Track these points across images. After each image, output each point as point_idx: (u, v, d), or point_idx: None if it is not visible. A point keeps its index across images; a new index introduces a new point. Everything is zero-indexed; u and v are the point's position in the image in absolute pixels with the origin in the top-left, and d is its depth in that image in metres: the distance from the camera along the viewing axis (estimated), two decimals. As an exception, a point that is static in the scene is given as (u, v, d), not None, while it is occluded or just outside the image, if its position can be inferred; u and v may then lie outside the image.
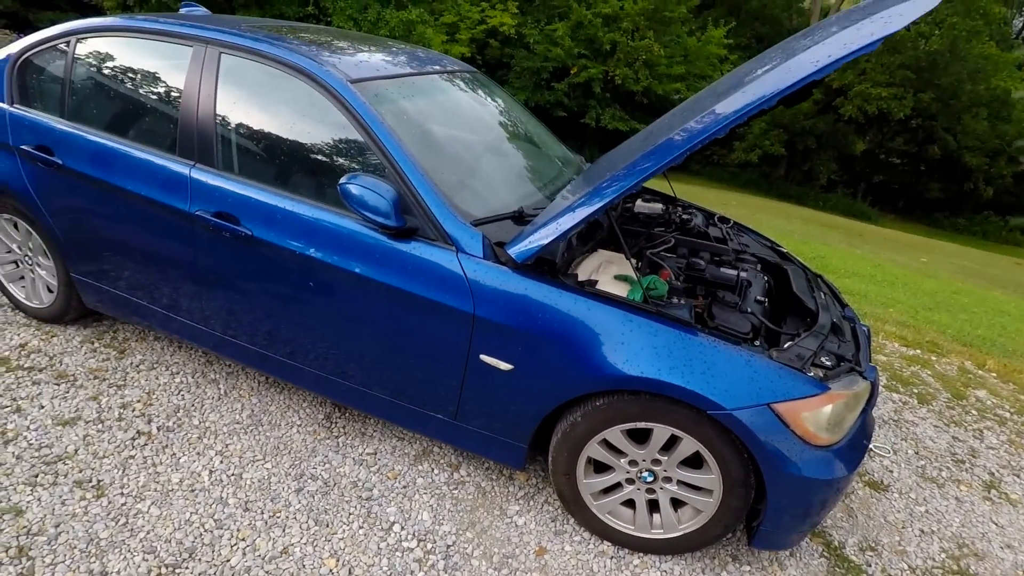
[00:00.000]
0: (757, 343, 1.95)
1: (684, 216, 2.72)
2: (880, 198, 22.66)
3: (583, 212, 1.73)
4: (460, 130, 2.52)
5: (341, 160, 2.09)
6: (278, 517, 2.03)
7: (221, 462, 2.21)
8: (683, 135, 1.66)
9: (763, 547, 1.98)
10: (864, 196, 22.59)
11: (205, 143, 2.17)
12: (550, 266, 1.91)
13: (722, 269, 2.28)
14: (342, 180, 1.86)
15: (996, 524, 2.68)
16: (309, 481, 2.18)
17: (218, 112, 2.16)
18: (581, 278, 1.98)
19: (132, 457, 2.19)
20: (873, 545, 2.38)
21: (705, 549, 2.12)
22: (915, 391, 3.77)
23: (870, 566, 2.27)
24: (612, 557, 2.06)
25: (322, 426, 2.45)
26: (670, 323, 1.79)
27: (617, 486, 2.02)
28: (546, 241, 1.77)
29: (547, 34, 16.59)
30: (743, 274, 2.26)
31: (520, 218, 2.06)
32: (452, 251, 1.89)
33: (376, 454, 2.34)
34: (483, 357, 1.90)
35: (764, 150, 20.05)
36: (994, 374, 4.39)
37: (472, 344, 1.90)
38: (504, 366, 1.88)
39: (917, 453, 3.08)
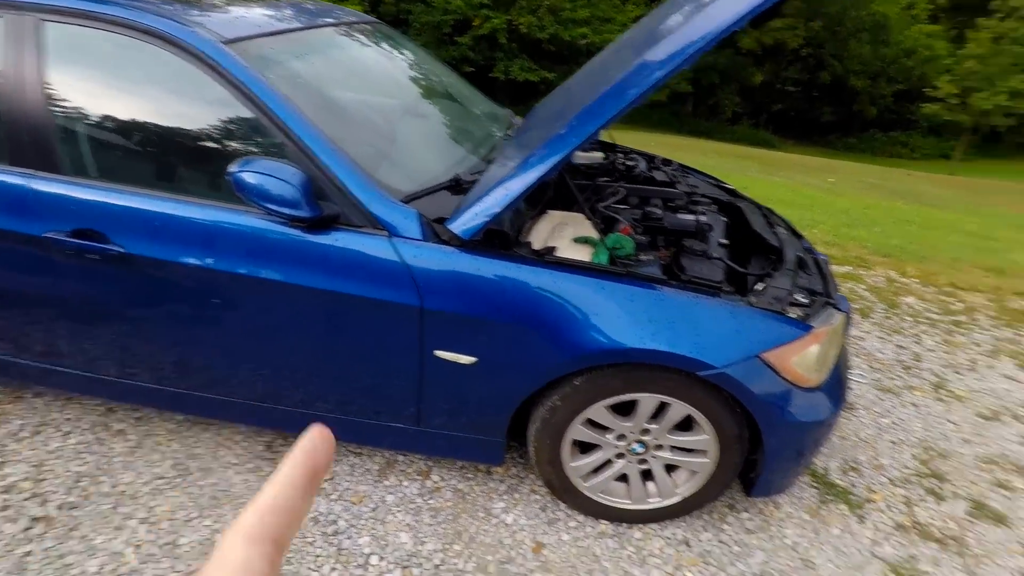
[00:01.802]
0: (727, 289, 1.82)
1: (628, 163, 2.55)
2: (780, 126, 23.79)
3: (535, 172, 1.51)
4: (370, 92, 2.20)
5: (229, 143, 1.72)
6: None
7: (148, 531, 1.83)
8: (645, 72, 1.45)
9: (762, 495, 1.91)
10: (766, 125, 23.63)
11: (42, 143, 1.70)
12: (501, 238, 1.68)
13: (679, 215, 2.13)
14: (231, 168, 1.50)
15: (951, 423, 2.77)
16: (260, 522, 1.89)
17: (52, 101, 1.68)
18: (536, 246, 1.76)
19: (29, 553, 1.74)
20: (854, 465, 2.38)
21: (704, 506, 2.03)
22: (855, 307, 3.86)
23: (855, 486, 2.26)
24: (613, 536, 1.92)
25: (264, 459, 2.14)
26: (645, 284, 1.62)
27: (607, 463, 1.86)
28: (496, 210, 1.54)
29: (444, -16, 15.80)
30: (702, 218, 2.12)
31: (458, 187, 1.80)
32: (384, 236, 1.61)
33: (333, 478, 2.07)
34: (439, 353, 1.66)
35: (672, 88, 20.38)
36: (916, 280, 4.60)
37: (424, 341, 1.65)
38: (466, 360, 1.65)
39: (871, 367, 3.14)
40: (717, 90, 22.24)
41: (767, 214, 2.35)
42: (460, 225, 1.58)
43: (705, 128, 21.34)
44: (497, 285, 1.58)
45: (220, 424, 2.27)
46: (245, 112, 1.63)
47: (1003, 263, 5.47)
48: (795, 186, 7.87)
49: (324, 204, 1.61)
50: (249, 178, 1.48)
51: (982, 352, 3.50)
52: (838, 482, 2.28)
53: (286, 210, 1.52)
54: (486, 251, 1.62)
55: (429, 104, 2.42)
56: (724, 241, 2.07)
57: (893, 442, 2.58)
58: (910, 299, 4.15)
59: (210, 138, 1.73)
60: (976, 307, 4.19)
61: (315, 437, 0.25)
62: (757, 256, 2.13)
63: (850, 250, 5.04)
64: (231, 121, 1.68)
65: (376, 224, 1.62)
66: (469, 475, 2.11)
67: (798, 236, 2.32)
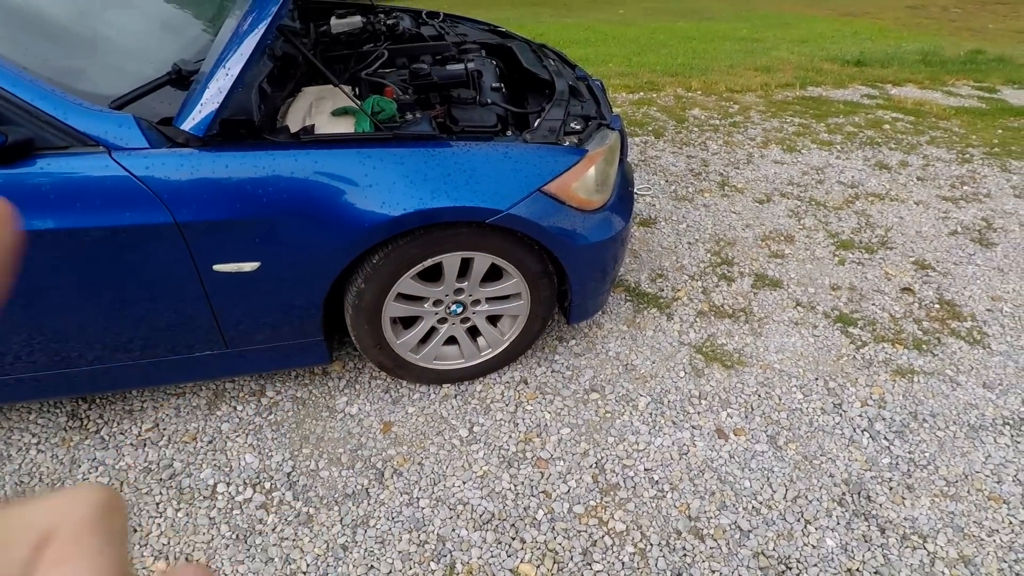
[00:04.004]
0: (509, 133, 1.82)
1: (389, 23, 2.35)
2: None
3: (250, 43, 1.32)
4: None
5: None
6: (63, 556, 1.59)
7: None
8: None
9: (580, 319, 2.07)
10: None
11: None
12: (248, 127, 1.50)
13: (448, 67, 2.03)
14: None
15: (735, 213, 3.16)
16: (84, 497, 1.73)
17: None
18: (295, 129, 1.60)
19: None
20: (660, 272, 2.66)
21: (533, 345, 2.18)
22: (650, 129, 4.13)
23: (663, 290, 2.55)
24: (456, 395, 2.02)
25: (70, 429, 1.91)
26: (412, 144, 1.55)
27: (432, 331, 1.90)
28: (222, 97, 1.34)
29: None
30: (471, 65, 2.04)
31: (181, 79, 1.55)
32: (102, 152, 1.36)
33: (158, 425, 1.92)
34: (218, 267, 1.51)
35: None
36: (699, 92, 4.99)
37: (196, 258, 1.48)
38: (248, 267, 1.52)
39: (667, 181, 3.43)
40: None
41: (536, 49, 2.33)
42: (190, 122, 1.37)
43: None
44: (253, 179, 1.43)
45: (4, 408, 1.97)
46: None
47: (769, 61, 6.08)
48: (588, 24, 7.94)
49: (7, 129, 1.32)
50: None
51: (755, 145, 3.96)
52: (648, 290, 2.55)
53: (-55, 145, 1.21)
54: (231, 145, 1.44)
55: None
56: (496, 85, 2.03)
57: (690, 243, 2.90)
58: (696, 111, 4.51)
59: None
60: (749, 105, 4.67)
61: None
62: (535, 94, 2.13)
63: (642, 76, 5.29)
64: None
65: (85, 140, 1.35)
66: (305, 381, 2.06)
67: (571, 66, 2.34)
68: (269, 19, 1.30)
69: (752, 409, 2.00)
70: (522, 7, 9.72)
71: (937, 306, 2.52)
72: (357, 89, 1.86)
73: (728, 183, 3.45)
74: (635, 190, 2.17)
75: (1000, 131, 4.35)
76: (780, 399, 2.04)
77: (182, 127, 1.38)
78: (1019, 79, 5.67)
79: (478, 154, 1.59)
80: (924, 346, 2.30)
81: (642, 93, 4.85)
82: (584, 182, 1.74)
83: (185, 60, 1.58)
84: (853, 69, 5.87)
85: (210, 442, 1.86)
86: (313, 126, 1.58)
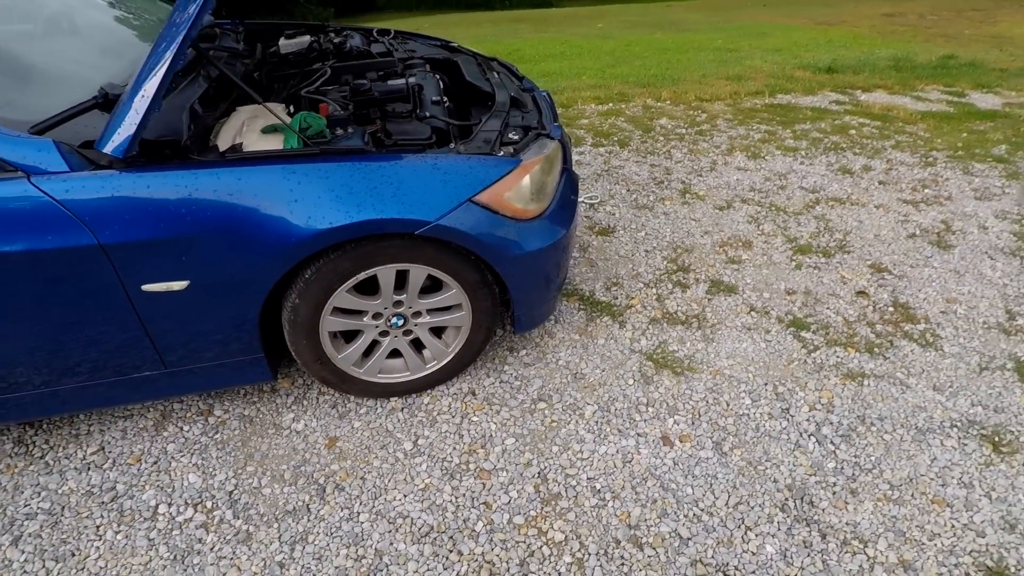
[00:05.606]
0: (452, 145, 1.83)
1: (337, 41, 2.38)
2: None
3: (163, 66, 1.33)
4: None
5: None
6: (-1, 582, 1.58)
7: None
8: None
9: (527, 328, 2.08)
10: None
11: None
12: (174, 148, 1.51)
13: (389, 82, 2.06)
14: None
15: (694, 220, 3.18)
16: (26, 523, 1.71)
17: None
18: (224, 147, 1.62)
19: None
20: (616, 281, 2.67)
21: (483, 355, 2.18)
22: (615, 139, 4.16)
23: (616, 298, 2.56)
24: (403, 408, 2.01)
25: (15, 455, 1.90)
26: (339, 158, 1.57)
27: (375, 344, 1.90)
28: (139, 119, 1.36)
29: None
30: (412, 80, 2.07)
31: (107, 102, 1.56)
32: (21, 177, 1.37)
33: (103, 448, 1.91)
34: (147, 287, 1.52)
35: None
36: (669, 102, 5.04)
37: (123, 279, 1.49)
38: (178, 285, 1.53)
39: (628, 190, 3.46)
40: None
41: (482, 63, 2.36)
42: (111, 144, 1.38)
43: (483, 1, 20.72)
44: (176, 199, 1.44)
45: (-54, 439, 1.96)
46: None
47: (741, 69, 6.15)
48: (566, 38, 8.04)
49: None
50: None
51: (720, 152, 3.99)
52: (602, 299, 2.56)
53: None
54: (154, 166, 1.45)
55: (87, 13, 2.02)
56: (437, 99, 2.05)
57: (647, 251, 2.92)
58: (663, 120, 4.55)
59: None
60: (717, 114, 4.72)
61: None
62: (479, 107, 2.16)
63: (613, 88, 5.34)
64: None
65: (2, 165, 1.37)
66: (254, 399, 2.06)
67: (519, 78, 2.37)
68: (179, 40, 1.32)
69: (699, 415, 2.00)
70: (502, 24, 9.86)
71: (891, 309, 2.53)
72: (291, 108, 1.88)
73: (690, 191, 3.48)
74: (582, 199, 2.18)
75: (965, 134, 4.39)
76: (728, 405, 2.05)
77: (104, 150, 1.39)
78: (988, 83, 5.74)
79: (406, 167, 1.60)
80: (876, 349, 2.30)
81: (611, 104, 4.90)
82: (518, 191, 1.75)
83: (113, 84, 1.60)
84: (824, 76, 5.94)
85: (155, 463, 1.86)
86: (242, 144, 1.60)
